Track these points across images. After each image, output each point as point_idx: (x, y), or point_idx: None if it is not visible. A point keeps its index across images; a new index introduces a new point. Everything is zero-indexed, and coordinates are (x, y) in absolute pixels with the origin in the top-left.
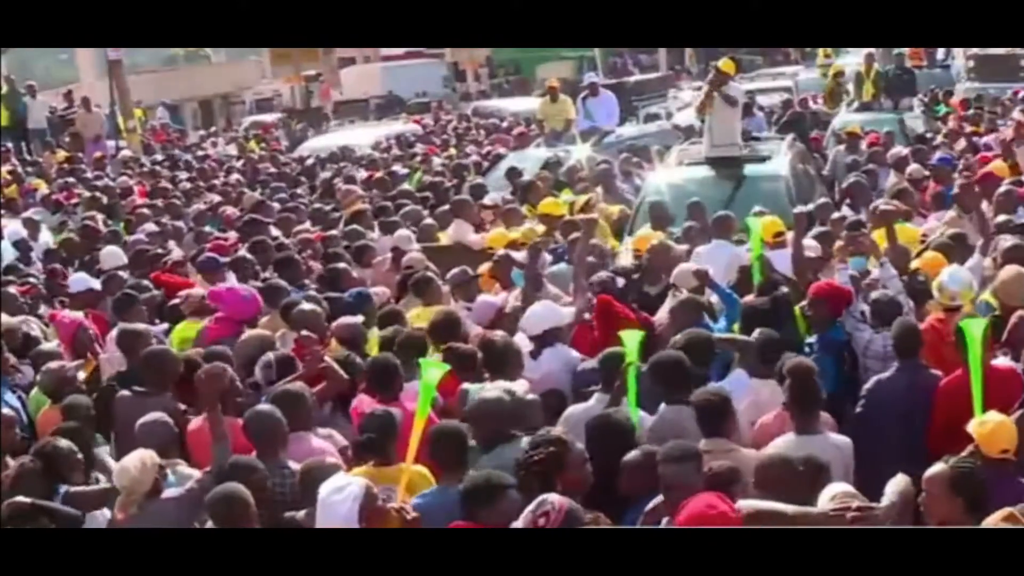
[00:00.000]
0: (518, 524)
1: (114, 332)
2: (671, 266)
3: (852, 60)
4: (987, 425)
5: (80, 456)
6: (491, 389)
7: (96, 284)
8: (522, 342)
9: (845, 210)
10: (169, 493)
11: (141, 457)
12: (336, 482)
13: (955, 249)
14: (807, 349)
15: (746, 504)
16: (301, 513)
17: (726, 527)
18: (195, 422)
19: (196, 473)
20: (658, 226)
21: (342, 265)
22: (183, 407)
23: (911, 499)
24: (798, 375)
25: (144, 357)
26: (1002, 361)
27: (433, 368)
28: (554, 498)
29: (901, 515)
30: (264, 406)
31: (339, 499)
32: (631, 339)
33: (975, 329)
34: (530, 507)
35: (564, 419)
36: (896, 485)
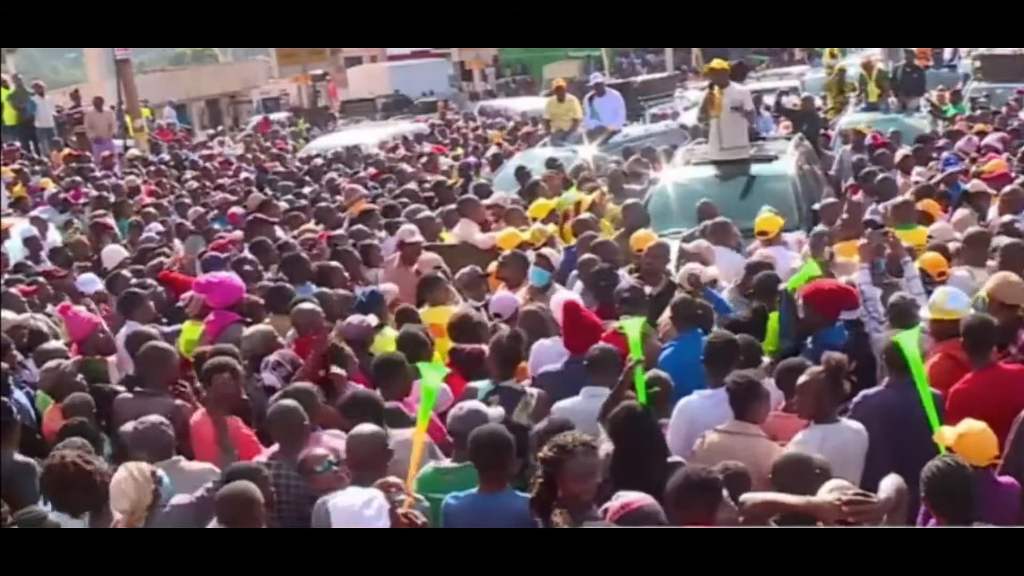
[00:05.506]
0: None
1: (123, 333)
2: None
3: (856, 60)
4: (968, 437)
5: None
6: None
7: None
8: None
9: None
10: (178, 500)
11: (132, 475)
12: (359, 496)
13: (972, 250)
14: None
15: (749, 496)
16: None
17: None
18: (196, 415)
19: (199, 467)
20: (633, 228)
21: (333, 263)
22: (182, 403)
23: (904, 499)
24: (831, 367)
25: (140, 356)
26: None
27: (433, 372)
28: (629, 496)
29: (896, 515)
30: (288, 401)
31: (372, 513)
32: (633, 329)
33: (909, 342)
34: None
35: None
36: (891, 482)
